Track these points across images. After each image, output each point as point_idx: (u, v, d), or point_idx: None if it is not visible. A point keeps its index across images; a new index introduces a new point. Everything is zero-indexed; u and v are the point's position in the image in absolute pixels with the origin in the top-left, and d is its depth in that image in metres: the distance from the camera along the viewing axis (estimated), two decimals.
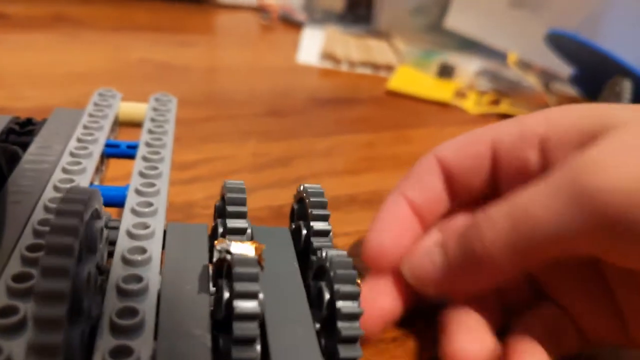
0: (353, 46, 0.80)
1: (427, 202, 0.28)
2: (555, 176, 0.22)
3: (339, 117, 0.59)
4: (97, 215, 0.19)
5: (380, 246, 0.27)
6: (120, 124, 0.32)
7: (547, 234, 0.22)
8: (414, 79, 0.71)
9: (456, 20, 0.83)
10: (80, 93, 0.31)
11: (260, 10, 0.96)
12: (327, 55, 0.76)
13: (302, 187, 0.25)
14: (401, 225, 0.28)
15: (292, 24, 0.93)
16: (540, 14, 0.74)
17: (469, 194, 0.29)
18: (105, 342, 0.17)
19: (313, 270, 0.22)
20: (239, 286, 0.18)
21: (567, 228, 0.21)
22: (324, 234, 0.23)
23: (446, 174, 0.28)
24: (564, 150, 0.25)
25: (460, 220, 0.29)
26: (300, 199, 0.25)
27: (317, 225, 0.23)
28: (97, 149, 0.26)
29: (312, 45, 0.82)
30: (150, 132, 0.28)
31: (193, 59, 0.71)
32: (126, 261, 0.20)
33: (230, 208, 0.23)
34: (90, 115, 0.29)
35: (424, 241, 0.28)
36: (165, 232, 0.22)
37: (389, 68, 0.75)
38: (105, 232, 0.21)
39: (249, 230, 0.23)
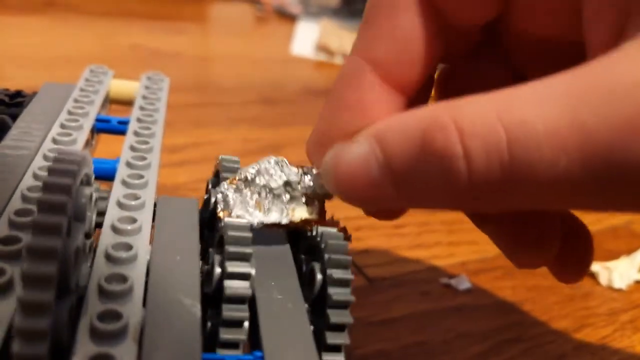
0: (348, 39, 0.80)
1: (400, 54, 0.19)
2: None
3: None
4: (87, 181, 0.19)
5: (320, 142, 0.20)
6: (111, 101, 0.31)
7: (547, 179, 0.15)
8: None
9: None
10: (69, 75, 0.30)
11: (255, 2, 0.96)
12: (322, 48, 0.76)
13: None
14: (362, 106, 0.19)
15: (287, 17, 0.93)
16: None
17: (465, 41, 0.22)
18: (93, 306, 0.16)
19: (305, 247, 0.22)
20: (232, 266, 0.18)
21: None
22: None
23: (432, 4, 0.19)
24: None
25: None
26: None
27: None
28: (88, 123, 0.26)
29: (307, 38, 0.82)
30: (142, 108, 0.28)
31: (186, 47, 0.70)
32: (116, 230, 0.19)
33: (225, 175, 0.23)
34: (82, 90, 0.29)
35: (351, 144, 0.18)
36: (155, 205, 0.22)
37: None
38: (95, 195, 0.20)
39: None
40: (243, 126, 0.50)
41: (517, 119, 0.15)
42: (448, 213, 0.40)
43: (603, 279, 0.34)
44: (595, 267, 0.35)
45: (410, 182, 0.17)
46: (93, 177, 0.20)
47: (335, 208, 0.35)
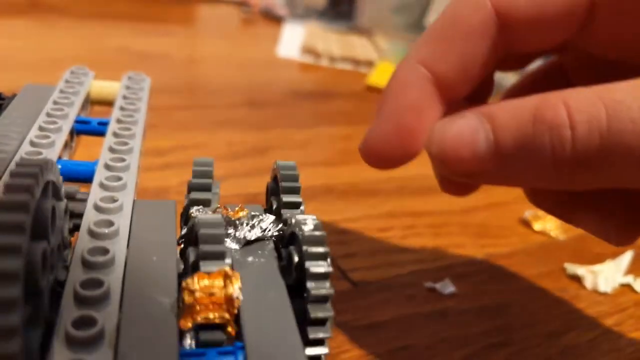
0: (334, 41, 0.80)
1: (461, 73, 0.21)
2: None
3: (318, 110, 0.59)
4: (54, 191, 0.18)
5: (389, 139, 0.21)
6: (92, 102, 0.31)
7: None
8: None
9: None
10: (54, 78, 0.30)
11: (242, 4, 0.95)
12: (308, 50, 0.76)
13: (275, 164, 0.24)
14: (417, 110, 0.21)
15: (273, 19, 0.93)
16: None
17: (525, 59, 0.24)
18: (69, 312, 0.16)
19: (285, 238, 0.22)
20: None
21: None
22: (295, 205, 0.23)
23: (507, 28, 0.20)
24: None
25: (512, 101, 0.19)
26: (274, 177, 0.25)
27: (288, 198, 0.23)
28: (67, 124, 0.26)
29: (293, 40, 0.81)
30: (122, 109, 0.28)
31: (172, 49, 0.70)
32: (92, 234, 0.19)
33: (195, 180, 0.22)
34: (61, 92, 0.28)
35: (458, 118, 0.20)
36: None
37: (369, 64, 0.75)
38: (64, 204, 0.20)
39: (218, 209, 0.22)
40: (229, 129, 0.49)
41: (616, 99, 0.17)
42: (435, 216, 0.40)
43: (589, 283, 0.34)
44: (581, 270, 0.35)
45: (515, 156, 0.18)
46: (60, 180, 0.19)
47: (321, 211, 0.34)
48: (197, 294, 0.17)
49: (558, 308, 0.32)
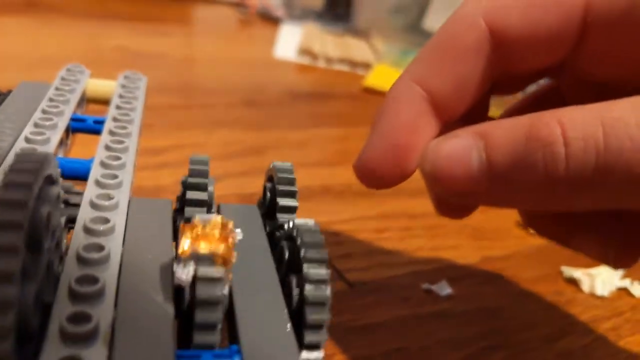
0: (331, 43, 0.80)
1: (456, 92, 0.21)
2: None
3: (314, 111, 0.59)
4: (51, 184, 0.18)
5: (383, 158, 0.20)
6: (88, 100, 0.31)
7: None
8: (391, 77, 0.70)
9: (435, 21, 0.83)
10: (51, 76, 0.30)
11: (239, 4, 0.95)
12: (305, 51, 0.76)
13: (272, 165, 0.24)
14: (412, 129, 0.20)
15: (270, 20, 0.93)
16: None
17: (525, 76, 0.24)
18: (63, 308, 0.16)
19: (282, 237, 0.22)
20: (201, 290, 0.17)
21: None
22: (290, 210, 0.23)
23: (501, 47, 0.20)
24: None
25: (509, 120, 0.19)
26: (270, 177, 0.25)
27: (283, 201, 0.23)
28: (63, 122, 0.25)
29: (290, 41, 0.81)
30: (118, 107, 0.28)
31: (169, 49, 0.70)
32: (88, 231, 0.19)
33: (192, 180, 0.22)
34: (57, 89, 0.28)
35: (452, 137, 0.20)
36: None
37: (367, 66, 0.75)
38: (62, 196, 0.20)
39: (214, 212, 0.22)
40: (225, 128, 0.49)
41: (613, 116, 0.17)
42: (431, 218, 0.40)
43: (585, 286, 0.34)
44: (578, 274, 0.35)
45: (508, 175, 0.18)
46: (59, 183, 0.19)
47: (317, 212, 0.34)
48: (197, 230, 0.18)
49: (554, 311, 0.32)
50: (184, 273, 0.17)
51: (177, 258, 0.17)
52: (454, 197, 0.20)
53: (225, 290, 0.17)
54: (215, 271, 0.17)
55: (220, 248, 0.17)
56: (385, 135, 0.20)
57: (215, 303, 0.17)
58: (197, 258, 0.17)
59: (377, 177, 0.21)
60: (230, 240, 0.18)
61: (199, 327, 0.17)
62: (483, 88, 0.21)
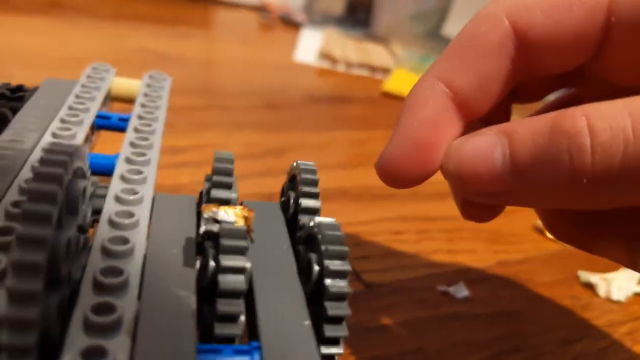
0: (351, 48, 0.80)
1: (479, 90, 0.20)
2: None
3: (334, 114, 0.59)
4: (81, 174, 0.18)
5: (406, 156, 0.20)
6: (113, 99, 0.31)
7: None
8: (409, 81, 0.71)
9: (454, 28, 0.83)
10: (74, 76, 0.30)
11: (261, 9, 0.96)
12: (325, 55, 0.76)
13: (295, 164, 0.24)
14: (436, 127, 0.20)
15: (292, 25, 0.93)
16: None
17: (547, 81, 0.24)
18: (87, 299, 0.16)
19: (303, 237, 0.22)
20: (226, 260, 0.18)
21: None
22: (313, 211, 0.23)
23: (524, 47, 0.20)
24: None
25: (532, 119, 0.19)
26: (292, 176, 0.25)
27: (306, 202, 0.23)
28: (88, 118, 0.26)
29: (310, 46, 0.82)
30: (143, 106, 0.28)
31: (191, 51, 0.71)
32: (113, 224, 0.19)
33: (217, 178, 0.23)
34: (83, 86, 0.29)
35: (476, 135, 0.20)
36: (153, 200, 0.22)
37: (386, 71, 0.75)
38: (90, 189, 0.20)
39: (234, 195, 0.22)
40: (246, 130, 0.49)
41: None
42: (448, 221, 0.40)
43: (602, 291, 0.34)
44: (594, 278, 0.35)
45: (532, 171, 0.18)
46: (89, 171, 0.20)
47: (335, 213, 0.34)
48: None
49: (571, 315, 0.32)
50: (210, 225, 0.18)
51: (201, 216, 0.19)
52: (478, 197, 0.20)
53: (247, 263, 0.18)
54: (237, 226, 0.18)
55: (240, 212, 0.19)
56: (408, 133, 0.20)
57: (240, 251, 0.18)
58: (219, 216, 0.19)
59: (399, 175, 0.20)
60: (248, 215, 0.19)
61: (223, 269, 0.18)
62: (506, 88, 0.21)
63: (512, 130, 0.18)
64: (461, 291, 0.32)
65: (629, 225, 0.23)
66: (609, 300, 0.34)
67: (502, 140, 0.18)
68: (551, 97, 0.27)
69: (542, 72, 0.21)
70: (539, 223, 0.41)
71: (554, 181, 0.17)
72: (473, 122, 0.21)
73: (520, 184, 0.18)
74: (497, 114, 0.22)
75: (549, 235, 0.40)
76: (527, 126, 0.18)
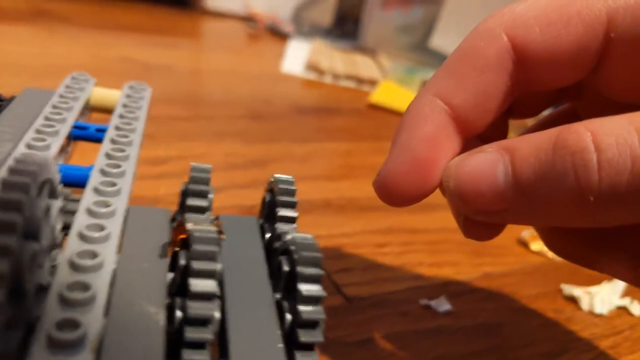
0: (338, 59, 0.80)
1: (477, 106, 0.20)
2: None
3: (319, 125, 0.59)
4: (50, 189, 0.18)
5: (404, 173, 0.20)
6: (92, 109, 0.31)
7: None
8: (396, 94, 0.71)
9: (441, 40, 0.83)
10: (56, 85, 0.30)
11: (248, 19, 0.96)
12: (312, 66, 0.76)
13: (273, 178, 0.24)
14: (434, 144, 0.20)
15: (279, 35, 0.93)
16: None
17: (544, 97, 0.23)
18: (52, 314, 0.16)
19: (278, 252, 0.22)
20: (197, 264, 0.17)
21: None
22: (290, 220, 0.23)
23: (522, 62, 0.20)
24: None
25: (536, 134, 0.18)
26: (270, 190, 0.25)
27: (284, 212, 0.23)
28: (64, 129, 0.25)
29: (298, 56, 0.82)
30: (121, 116, 0.28)
31: (176, 61, 0.70)
32: (82, 237, 0.19)
33: (192, 187, 0.22)
34: (61, 96, 0.28)
35: (477, 152, 0.19)
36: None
37: (372, 83, 0.75)
38: (59, 204, 0.20)
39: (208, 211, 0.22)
40: (229, 141, 0.49)
41: None
42: (432, 233, 0.40)
43: (585, 304, 0.34)
44: (577, 292, 0.35)
45: (536, 189, 0.17)
46: (59, 184, 0.19)
47: (318, 225, 0.34)
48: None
49: (553, 329, 0.32)
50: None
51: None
52: (480, 216, 0.19)
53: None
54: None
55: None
56: (407, 151, 0.20)
57: (211, 258, 0.17)
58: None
59: (398, 193, 0.20)
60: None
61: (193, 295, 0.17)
62: (504, 104, 0.20)
63: (514, 147, 0.18)
64: (443, 305, 0.32)
65: (633, 242, 0.22)
66: (592, 313, 0.34)
67: (503, 157, 0.18)
68: (547, 112, 0.27)
69: (540, 88, 0.21)
70: (523, 235, 0.41)
71: (558, 199, 0.17)
72: (470, 139, 0.21)
73: (523, 202, 0.18)
74: (494, 130, 0.22)
75: (532, 248, 0.40)
76: (529, 142, 0.18)
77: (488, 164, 0.18)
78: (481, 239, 0.23)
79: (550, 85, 0.21)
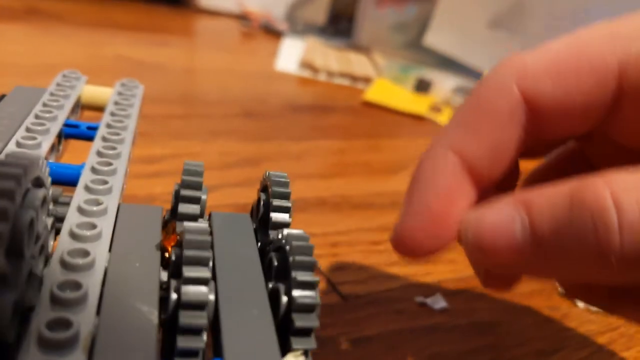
0: (332, 57, 0.80)
1: (492, 159, 0.20)
2: None
3: (314, 123, 0.59)
4: (38, 184, 0.18)
5: (420, 229, 0.20)
6: (83, 107, 0.31)
7: None
8: (390, 91, 0.70)
9: (435, 38, 0.83)
10: (48, 83, 0.30)
11: (242, 17, 0.96)
12: (306, 64, 0.76)
13: (267, 174, 0.24)
14: (449, 198, 0.20)
15: (273, 33, 0.93)
16: (518, 36, 0.75)
17: (548, 145, 0.24)
18: (43, 313, 0.16)
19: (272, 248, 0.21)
20: (188, 271, 0.17)
21: None
22: (283, 226, 0.22)
23: (534, 114, 0.20)
24: None
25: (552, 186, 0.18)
26: (264, 187, 0.24)
27: (277, 202, 0.22)
28: (55, 127, 0.25)
29: (292, 55, 0.81)
30: (113, 114, 0.27)
31: (170, 59, 0.70)
32: (74, 236, 0.19)
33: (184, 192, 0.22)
34: (52, 94, 0.28)
35: (493, 207, 0.19)
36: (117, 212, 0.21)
37: (367, 80, 0.75)
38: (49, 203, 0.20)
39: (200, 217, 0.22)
40: (223, 139, 0.49)
41: None
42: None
43: (580, 302, 0.34)
44: None
45: (554, 245, 0.17)
46: (49, 183, 0.19)
47: (313, 223, 0.34)
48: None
49: (549, 326, 0.32)
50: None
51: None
52: (500, 269, 0.19)
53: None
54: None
55: None
56: (423, 206, 0.20)
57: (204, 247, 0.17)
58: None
59: (415, 248, 0.20)
60: None
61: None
62: (517, 154, 0.20)
63: (530, 202, 0.18)
64: (438, 302, 0.32)
65: None
66: (587, 310, 0.34)
67: (520, 212, 0.18)
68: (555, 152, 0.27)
69: (552, 137, 0.21)
70: None
71: (579, 257, 0.17)
72: (485, 188, 0.21)
73: (542, 258, 0.18)
74: (506, 173, 0.21)
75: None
76: (544, 197, 0.18)
77: (506, 219, 0.18)
78: (500, 289, 0.23)
79: (562, 135, 0.21)
